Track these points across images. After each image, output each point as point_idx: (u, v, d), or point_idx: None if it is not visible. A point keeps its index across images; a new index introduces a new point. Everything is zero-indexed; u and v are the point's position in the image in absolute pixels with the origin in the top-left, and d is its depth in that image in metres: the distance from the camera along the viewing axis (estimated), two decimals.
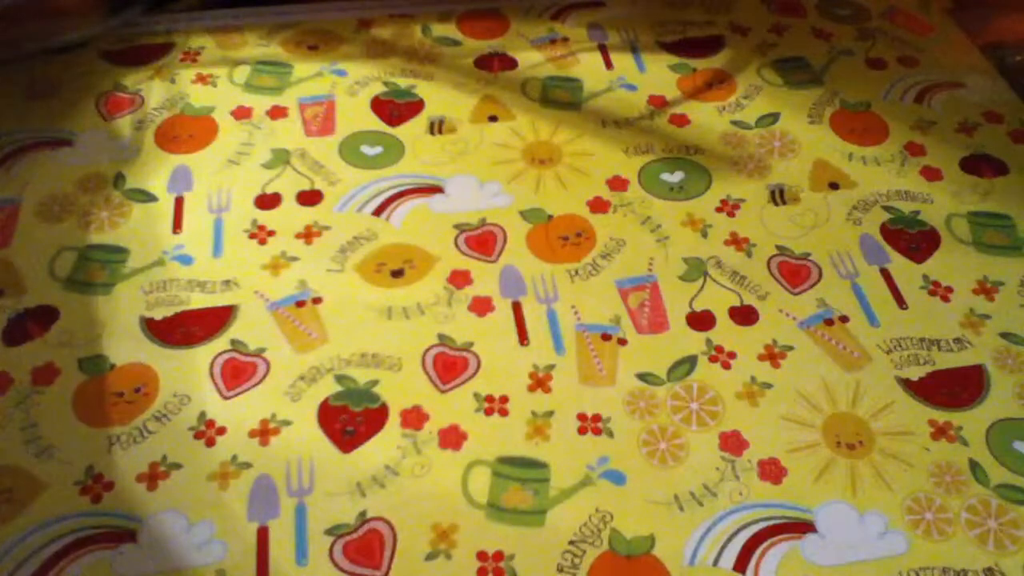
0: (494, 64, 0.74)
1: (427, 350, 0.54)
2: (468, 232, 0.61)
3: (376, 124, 0.68)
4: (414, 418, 0.51)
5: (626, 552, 0.46)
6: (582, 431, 0.51)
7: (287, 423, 0.50)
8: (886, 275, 0.60)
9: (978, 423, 0.53)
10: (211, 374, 0.52)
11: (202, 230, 0.60)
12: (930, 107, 0.73)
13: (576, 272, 0.58)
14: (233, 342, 0.54)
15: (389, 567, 0.45)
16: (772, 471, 0.50)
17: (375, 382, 0.52)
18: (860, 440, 0.51)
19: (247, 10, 0.78)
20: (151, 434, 0.49)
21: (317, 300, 0.56)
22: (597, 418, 0.51)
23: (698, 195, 0.64)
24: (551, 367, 0.54)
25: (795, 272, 0.59)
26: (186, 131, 0.67)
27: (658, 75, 0.74)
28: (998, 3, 0.85)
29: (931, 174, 0.67)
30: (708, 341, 0.55)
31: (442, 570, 0.45)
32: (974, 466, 0.51)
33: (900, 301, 0.58)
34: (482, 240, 0.60)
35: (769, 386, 0.53)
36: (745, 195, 0.64)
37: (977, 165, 0.68)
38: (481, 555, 0.46)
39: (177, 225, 0.60)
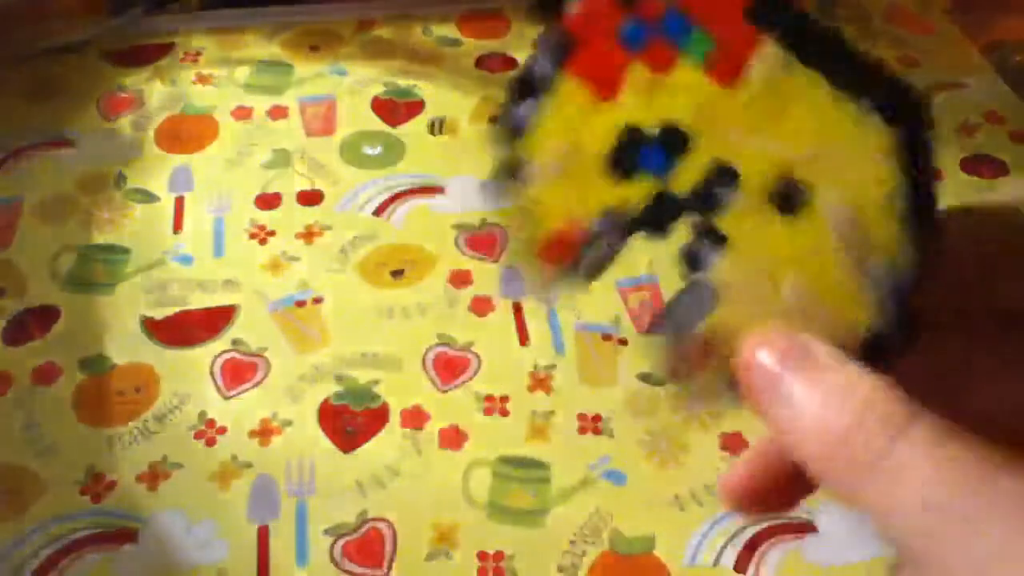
0: (494, 64, 0.74)
1: (428, 350, 0.54)
2: (468, 232, 0.61)
3: (377, 124, 0.68)
4: (414, 418, 0.51)
5: (626, 552, 0.46)
6: (582, 431, 0.51)
7: (288, 423, 0.50)
8: None
9: None
10: (212, 374, 0.52)
11: (203, 230, 0.60)
12: (930, 107, 0.73)
13: None
14: (234, 342, 0.54)
15: (390, 567, 0.45)
16: None
17: (376, 382, 0.52)
18: None
19: (247, 11, 0.78)
20: (152, 434, 0.49)
21: (318, 300, 0.56)
22: (597, 418, 0.51)
23: None
24: (551, 367, 0.54)
25: None
26: (186, 131, 0.67)
27: None
28: (998, 3, 0.85)
29: None
30: None
31: (443, 570, 0.45)
32: None
33: None
34: (483, 240, 0.60)
35: None
36: None
37: (977, 165, 0.68)
38: (481, 555, 0.46)
39: (178, 225, 0.60)
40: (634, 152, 0.20)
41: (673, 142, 0.20)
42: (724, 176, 0.20)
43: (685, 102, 0.19)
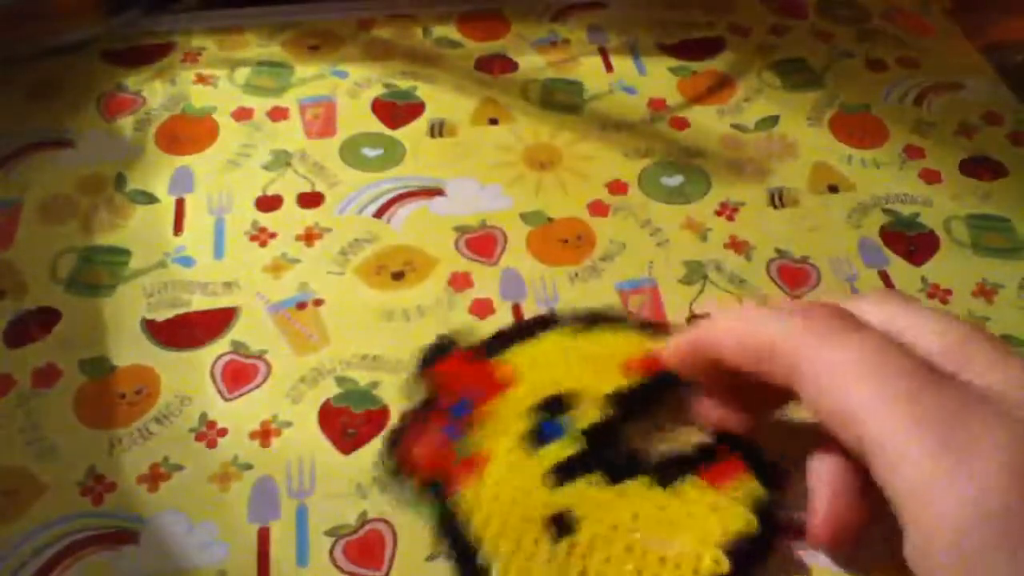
0: (495, 66, 0.74)
1: None
2: (468, 234, 0.61)
3: (377, 126, 0.68)
4: None
5: None
6: None
7: (288, 424, 0.50)
8: (885, 278, 0.60)
9: None
10: (212, 376, 0.52)
11: (203, 232, 0.60)
12: (929, 109, 0.73)
13: (576, 275, 0.59)
14: (234, 344, 0.54)
15: (390, 567, 0.45)
16: None
17: (376, 384, 0.52)
18: None
19: (248, 10, 0.78)
20: (152, 435, 0.49)
21: (318, 302, 0.56)
22: None
23: (698, 198, 0.64)
24: None
25: (794, 275, 0.60)
26: (187, 132, 0.67)
27: (658, 78, 0.74)
28: (998, 3, 0.85)
29: (930, 176, 0.67)
30: None
31: (443, 570, 0.45)
32: None
33: None
34: (482, 242, 0.60)
35: None
36: (744, 198, 0.64)
37: (976, 167, 0.68)
38: None
39: (178, 227, 0.60)
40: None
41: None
42: None
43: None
